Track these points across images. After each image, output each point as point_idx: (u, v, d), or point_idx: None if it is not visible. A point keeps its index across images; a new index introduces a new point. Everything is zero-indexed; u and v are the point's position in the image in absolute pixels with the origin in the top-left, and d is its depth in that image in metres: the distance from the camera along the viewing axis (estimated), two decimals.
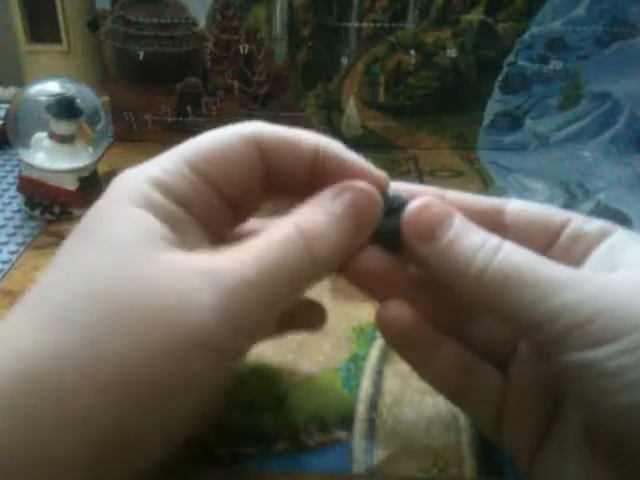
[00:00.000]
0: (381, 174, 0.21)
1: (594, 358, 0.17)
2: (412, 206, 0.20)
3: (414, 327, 0.21)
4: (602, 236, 0.21)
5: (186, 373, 0.17)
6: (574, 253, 0.21)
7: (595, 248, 0.21)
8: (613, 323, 0.17)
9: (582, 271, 0.19)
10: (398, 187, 0.22)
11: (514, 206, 0.22)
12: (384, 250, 0.21)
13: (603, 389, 0.17)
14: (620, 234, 0.21)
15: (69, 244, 0.18)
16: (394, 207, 0.21)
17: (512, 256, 0.19)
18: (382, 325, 0.21)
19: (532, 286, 0.18)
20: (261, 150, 0.20)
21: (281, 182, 0.21)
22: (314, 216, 0.19)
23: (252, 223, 0.23)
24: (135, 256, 0.17)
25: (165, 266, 0.17)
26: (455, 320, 0.23)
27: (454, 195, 0.23)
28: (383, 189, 0.21)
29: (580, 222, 0.21)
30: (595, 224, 0.21)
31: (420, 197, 0.21)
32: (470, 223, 0.20)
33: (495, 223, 0.22)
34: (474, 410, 0.23)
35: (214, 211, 0.20)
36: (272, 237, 0.18)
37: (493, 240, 0.19)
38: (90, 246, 0.18)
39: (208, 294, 0.17)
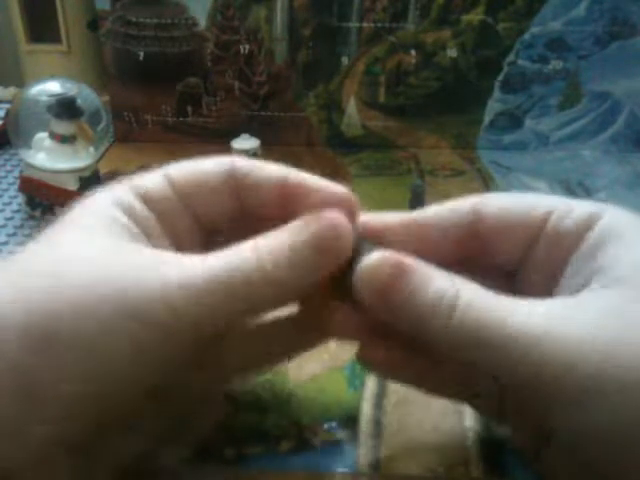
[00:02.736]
0: (351, 198, 0.20)
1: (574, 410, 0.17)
2: (364, 266, 0.19)
3: (397, 361, 0.21)
4: (585, 230, 0.20)
5: (130, 343, 0.17)
6: (556, 254, 0.21)
7: (579, 244, 0.20)
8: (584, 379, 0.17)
9: (546, 319, 0.18)
10: (369, 220, 0.22)
11: (491, 210, 0.22)
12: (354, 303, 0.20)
13: (577, 429, 0.18)
14: (602, 225, 0.20)
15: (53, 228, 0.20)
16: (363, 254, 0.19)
17: (470, 309, 0.18)
18: (367, 367, 0.23)
19: (498, 346, 0.17)
20: (236, 180, 0.21)
21: (256, 213, 0.22)
22: (275, 239, 0.19)
23: None
24: (103, 239, 0.19)
25: (131, 250, 0.19)
26: None
27: (426, 216, 0.22)
28: (354, 211, 0.20)
29: (561, 215, 0.21)
30: (575, 217, 0.21)
31: (376, 251, 0.19)
32: (428, 271, 0.19)
33: (473, 232, 0.22)
34: (480, 408, 0.23)
35: (185, 228, 0.21)
36: (230, 250, 0.19)
37: (450, 292, 0.18)
38: (66, 230, 0.20)
39: (165, 280, 0.18)
